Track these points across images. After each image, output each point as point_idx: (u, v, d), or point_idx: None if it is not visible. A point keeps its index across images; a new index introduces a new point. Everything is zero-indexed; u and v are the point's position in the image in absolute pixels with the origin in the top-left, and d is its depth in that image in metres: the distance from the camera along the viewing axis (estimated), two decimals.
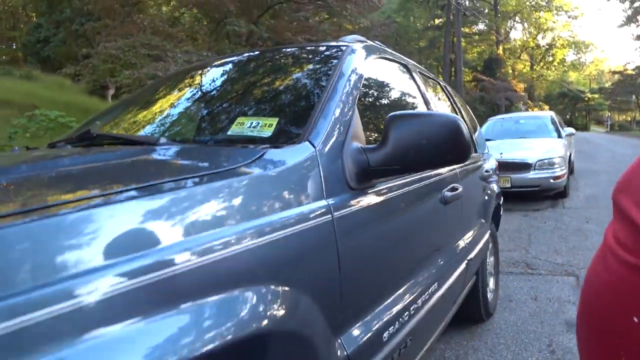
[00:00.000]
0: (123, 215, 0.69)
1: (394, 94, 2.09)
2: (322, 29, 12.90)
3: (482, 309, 3.15)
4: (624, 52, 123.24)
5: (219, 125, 1.45)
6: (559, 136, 8.78)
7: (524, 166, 7.44)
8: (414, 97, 2.18)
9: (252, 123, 1.24)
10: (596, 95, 53.21)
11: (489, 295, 3.39)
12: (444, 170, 2.01)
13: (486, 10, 39.45)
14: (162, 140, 1.19)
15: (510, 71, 41.31)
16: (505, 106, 29.63)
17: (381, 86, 1.96)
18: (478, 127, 4.19)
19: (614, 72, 48.25)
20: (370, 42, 2.04)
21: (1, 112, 11.09)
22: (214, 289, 0.74)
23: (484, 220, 2.92)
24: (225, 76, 1.89)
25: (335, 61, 1.59)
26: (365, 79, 1.64)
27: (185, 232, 0.74)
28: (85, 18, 17.25)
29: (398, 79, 2.14)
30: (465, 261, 2.23)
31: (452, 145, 1.19)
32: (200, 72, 1.99)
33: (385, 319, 1.25)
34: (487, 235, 2.93)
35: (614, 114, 59.56)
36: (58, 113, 7.70)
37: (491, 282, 3.54)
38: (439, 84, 3.06)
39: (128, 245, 0.65)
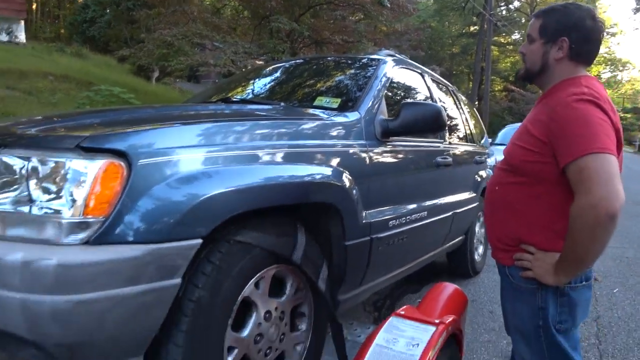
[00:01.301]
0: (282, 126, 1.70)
1: (408, 91, 3.09)
2: (358, 29, 13.66)
3: (469, 266, 4.11)
4: None
5: (309, 98, 2.49)
6: None
7: None
8: (422, 95, 3.18)
9: (326, 100, 2.28)
10: (628, 115, 52.70)
11: (477, 257, 4.36)
12: (440, 146, 3.02)
13: (523, 21, 39.70)
14: (282, 103, 2.23)
15: None
16: None
17: (400, 85, 2.96)
18: (484, 131, 5.10)
19: None
20: (397, 56, 3.04)
21: (62, 85, 12.04)
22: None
23: (474, 193, 3.90)
24: (304, 70, 2.98)
25: (373, 68, 2.62)
26: (391, 81, 2.66)
27: (307, 136, 1.76)
28: (132, 2, 18.40)
29: (413, 82, 3.15)
30: (452, 212, 3.22)
31: (433, 120, 2.19)
32: (284, 66, 3.07)
33: (390, 215, 2.26)
34: (475, 204, 3.90)
35: None
36: (120, 89, 8.67)
37: (480, 248, 4.51)
38: (448, 89, 4.04)
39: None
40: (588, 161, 1.29)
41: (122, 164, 1.19)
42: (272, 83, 2.94)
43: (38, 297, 1.05)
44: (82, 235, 1.13)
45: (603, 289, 4.19)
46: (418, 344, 1.44)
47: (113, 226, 1.15)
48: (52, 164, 1.18)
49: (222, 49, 12.06)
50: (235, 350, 1.46)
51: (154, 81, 18.15)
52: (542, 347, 1.57)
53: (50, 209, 1.16)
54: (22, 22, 16.86)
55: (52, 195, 1.16)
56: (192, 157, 1.33)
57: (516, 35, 38.26)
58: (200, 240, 1.26)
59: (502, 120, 28.20)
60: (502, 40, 36.44)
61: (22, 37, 16.58)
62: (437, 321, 1.56)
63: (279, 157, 1.60)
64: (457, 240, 3.76)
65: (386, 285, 2.65)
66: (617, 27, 44.45)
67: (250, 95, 2.70)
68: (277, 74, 3.05)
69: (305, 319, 1.78)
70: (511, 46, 38.79)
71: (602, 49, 45.14)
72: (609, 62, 47.13)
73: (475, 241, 4.27)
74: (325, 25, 13.69)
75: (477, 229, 4.29)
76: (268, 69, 3.20)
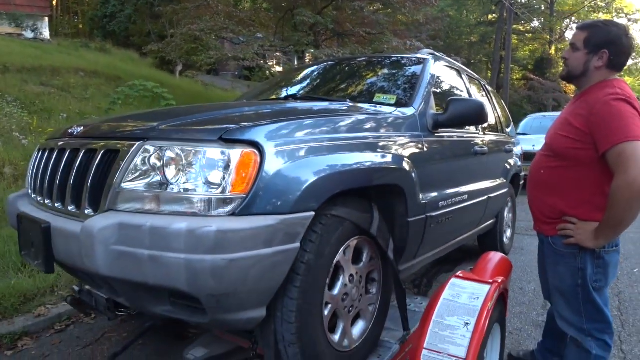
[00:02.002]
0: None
1: (449, 87, 3.38)
2: (379, 21, 13.79)
3: (498, 246, 4.41)
4: None
5: (367, 95, 2.81)
6: None
7: None
8: (461, 90, 3.48)
9: (384, 96, 2.60)
10: None
11: (505, 240, 4.66)
12: (476, 136, 3.32)
13: (542, 8, 39.31)
14: (348, 100, 2.56)
15: None
16: (552, 107, 29.79)
17: (442, 82, 3.26)
18: (510, 119, 5.38)
19: None
20: (436, 54, 3.34)
21: (93, 81, 12.44)
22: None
23: (504, 180, 4.19)
24: (356, 68, 3.34)
25: (420, 66, 2.94)
26: (435, 77, 2.96)
27: (379, 129, 2.08)
28: None
29: (452, 78, 3.44)
30: (486, 196, 3.53)
31: (477, 114, 2.49)
32: (336, 64, 3.40)
33: (440, 197, 2.58)
34: (505, 190, 4.20)
35: None
36: (153, 84, 8.91)
37: (508, 232, 4.81)
38: (480, 82, 4.33)
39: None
40: (624, 147, 1.67)
41: (256, 152, 1.52)
42: (327, 81, 3.28)
43: (200, 257, 1.38)
44: (228, 208, 1.47)
45: (624, 269, 4.47)
46: (478, 297, 1.77)
47: (252, 201, 1.48)
48: (200, 153, 1.51)
49: (247, 42, 12.35)
50: (329, 306, 1.80)
51: (178, 74, 18.56)
52: (580, 303, 1.94)
53: (201, 189, 1.49)
54: (46, 19, 17.28)
55: (200, 178, 1.50)
56: (305, 146, 1.67)
57: (535, 23, 37.94)
58: (313, 213, 1.59)
59: (521, 109, 28.07)
60: (521, 28, 36.14)
61: (46, 33, 17.01)
62: (491, 281, 1.89)
63: (361, 146, 1.94)
64: (489, 222, 4.07)
65: (433, 259, 2.97)
66: None
67: (312, 93, 3.02)
68: (331, 73, 3.37)
69: (376, 284, 2.11)
70: (530, 34, 38.49)
71: None
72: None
73: (504, 225, 4.56)
74: (347, 17, 13.84)
75: (506, 213, 4.58)
76: (319, 67, 3.52)
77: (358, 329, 2.01)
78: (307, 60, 14.24)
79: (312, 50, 12.63)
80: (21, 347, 2.93)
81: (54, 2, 25.39)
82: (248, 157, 1.50)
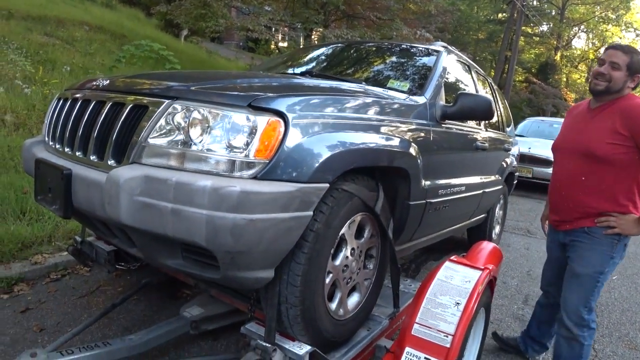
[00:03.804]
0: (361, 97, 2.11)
1: (459, 81, 3.47)
2: (390, 7, 13.72)
3: (487, 240, 4.54)
4: None
5: (380, 80, 2.88)
6: None
7: (546, 162, 8.71)
8: (469, 85, 3.57)
9: (397, 83, 2.68)
10: None
11: (494, 236, 4.80)
12: (479, 132, 3.42)
13: (553, 13, 39.24)
14: (364, 82, 2.64)
15: (564, 79, 40.98)
16: (550, 113, 29.97)
17: (452, 75, 3.34)
18: (511, 119, 5.48)
19: None
20: (449, 47, 3.41)
21: (97, 36, 12.29)
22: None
23: (499, 177, 4.31)
24: (372, 52, 3.44)
25: (434, 57, 3.02)
26: (446, 70, 3.04)
27: (392, 113, 2.17)
28: None
29: (461, 73, 3.52)
30: (482, 190, 3.65)
31: (485, 111, 2.59)
32: (354, 46, 3.48)
33: (440, 185, 2.68)
34: (499, 187, 4.32)
35: None
36: (159, 46, 8.79)
37: (497, 228, 4.95)
38: (487, 80, 4.42)
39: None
40: None
41: (281, 121, 1.60)
42: (340, 62, 3.35)
43: (223, 214, 1.47)
44: (251, 172, 1.55)
45: None
46: (470, 281, 1.88)
47: (273, 168, 1.56)
48: (230, 117, 1.58)
49: (256, 13, 12.26)
50: (331, 275, 1.90)
51: (183, 39, 18.34)
52: (592, 288, 2.30)
53: (226, 150, 1.57)
54: None
55: (225, 141, 1.58)
56: (325, 122, 1.76)
57: (544, 27, 37.89)
58: (328, 185, 1.68)
59: (520, 111, 28.18)
60: (529, 30, 36.11)
61: None
62: (482, 267, 2.00)
63: (375, 128, 2.03)
64: (481, 216, 4.20)
65: (426, 244, 3.09)
66: None
67: (328, 72, 3.09)
68: (346, 54, 3.44)
69: (373, 260, 2.22)
70: (538, 38, 38.48)
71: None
72: None
73: (494, 220, 4.70)
74: (358, 0, 13.76)
75: (497, 210, 4.71)
76: (334, 47, 3.59)
77: (353, 300, 2.13)
78: (314, 39, 14.18)
79: (321, 29, 12.58)
80: (17, 292, 3.02)
81: None
82: (273, 125, 1.58)
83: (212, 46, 21.55)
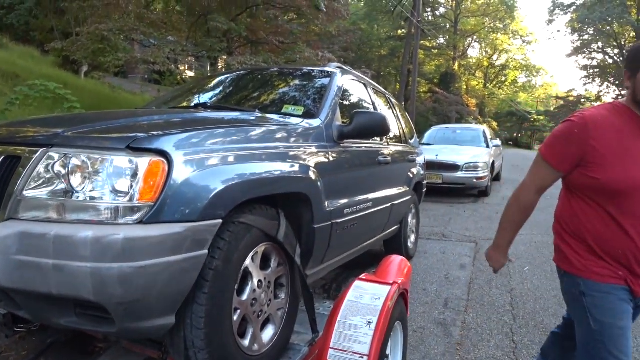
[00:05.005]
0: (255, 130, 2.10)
1: (355, 100, 3.57)
2: (293, 31, 13.98)
3: (403, 250, 4.67)
4: (570, 80, 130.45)
5: (275, 105, 2.89)
6: (487, 146, 10.67)
7: (454, 167, 9.18)
8: (367, 103, 3.68)
9: (292, 108, 2.70)
10: (541, 117, 55.97)
11: (410, 245, 4.94)
12: (381, 147, 3.53)
13: (447, 26, 41.95)
14: (256, 110, 2.62)
15: (464, 87, 43.69)
16: (455, 119, 31.79)
17: (348, 95, 3.43)
18: (414, 131, 5.72)
19: (558, 97, 51.63)
20: (344, 68, 3.51)
21: None
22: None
23: (407, 188, 4.46)
24: (265, 78, 3.41)
25: (328, 79, 3.08)
26: (342, 90, 3.11)
27: (286, 139, 2.16)
28: None
29: (358, 91, 3.63)
30: (390, 203, 3.75)
31: (380, 127, 2.67)
32: (245, 75, 3.45)
33: (345, 204, 2.72)
34: (408, 197, 4.47)
35: None
36: (55, 85, 8.36)
37: (412, 237, 5.10)
38: (385, 96, 4.60)
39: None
40: None
41: (164, 161, 1.54)
42: (238, 90, 3.33)
43: (108, 265, 1.38)
44: (136, 216, 1.47)
45: (516, 268, 4.93)
46: (379, 297, 1.90)
47: (160, 209, 1.49)
48: (107, 161, 1.50)
49: (158, 45, 11.99)
50: (238, 311, 1.84)
51: (83, 75, 17.56)
52: None
53: (108, 197, 1.49)
54: None
55: (107, 186, 1.49)
56: (213, 156, 1.71)
57: (441, 40, 40.39)
58: (221, 221, 1.63)
59: (427, 120, 29.69)
60: (427, 44, 38.26)
61: None
62: (391, 281, 2.04)
63: (269, 156, 2.01)
64: (394, 228, 4.31)
65: (340, 264, 3.11)
66: (533, 36, 47.89)
67: (223, 102, 3.06)
68: (240, 82, 3.43)
69: (284, 289, 2.19)
70: (436, 50, 40.91)
71: (519, 56, 48.62)
72: (525, 68, 50.39)
73: (408, 230, 4.84)
74: (261, 25, 13.88)
75: (409, 219, 4.87)
76: (231, 76, 3.57)
77: (268, 333, 2.07)
78: (220, 67, 14.11)
79: (225, 57, 12.53)
80: None
81: None
82: (156, 165, 1.52)
83: (116, 81, 20.80)
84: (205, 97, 3.24)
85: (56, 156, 1.55)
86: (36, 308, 1.60)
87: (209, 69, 14.49)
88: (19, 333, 2.69)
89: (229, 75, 3.64)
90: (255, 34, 13.62)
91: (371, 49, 36.75)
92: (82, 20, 14.32)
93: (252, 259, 1.90)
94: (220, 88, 3.42)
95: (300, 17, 15.25)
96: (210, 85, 3.54)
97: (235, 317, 1.82)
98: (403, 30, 35.19)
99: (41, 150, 1.58)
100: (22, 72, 12.52)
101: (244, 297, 1.88)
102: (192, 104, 3.02)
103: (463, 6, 42.73)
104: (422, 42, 31.36)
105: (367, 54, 35.75)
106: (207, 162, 1.68)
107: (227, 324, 1.76)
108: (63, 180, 1.53)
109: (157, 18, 13.12)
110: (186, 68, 17.33)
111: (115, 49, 11.63)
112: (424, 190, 5.55)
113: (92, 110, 6.23)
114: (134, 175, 1.49)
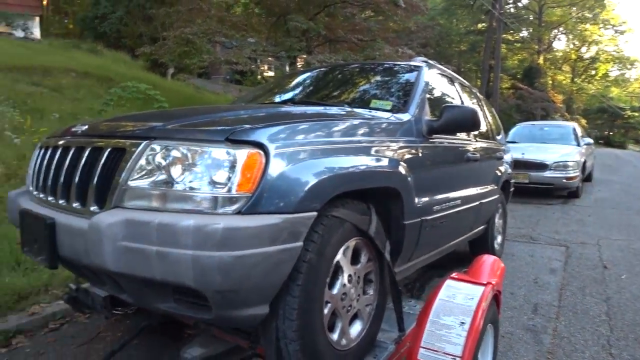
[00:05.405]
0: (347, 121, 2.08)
1: (442, 94, 3.46)
2: (370, 28, 13.87)
3: (489, 251, 4.48)
4: None
5: (363, 100, 2.87)
6: (578, 144, 9.99)
7: (542, 166, 8.69)
8: (453, 97, 3.56)
9: (380, 102, 2.66)
10: (636, 114, 52.11)
11: (496, 246, 4.74)
12: (469, 143, 3.40)
13: (531, 18, 39.87)
14: (346, 105, 2.61)
15: (550, 82, 41.36)
16: (540, 116, 30.18)
17: (435, 89, 3.33)
18: (501, 127, 5.47)
19: None
20: (430, 62, 3.41)
21: (84, 82, 12.36)
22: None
23: (495, 186, 4.27)
24: (352, 74, 3.42)
25: (415, 73, 3.01)
26: (429, 84, 3.03)
27: (377, 133, 2.13)
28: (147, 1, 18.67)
29: (444, 86, 3.52)
30: (479, 201, 3.60)
31: (471, 121, 2.57)
32: (332, 70, 3.46)
33: (434, 201, 2.64)
34: (496, 196, 4.28)
35: None
36: (146, 86, 8.88)
37: (499, 238, 4.89)
38: (472, 90, 4.42)
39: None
40: None
41: (261, 153, 1.56)
42: (322, 87, 3.33)
43: (208, 253, 1.42)
44: (234, 207, 1.51)
45: (612, 275, 4.57)
46: (473, 298, 1.82)
47: (257, 201, 1.52)
48: (207, 153, 1.55)
49: (239, 46, 12.38)
50: (329, 304, 1.84)
51: (170, 77, 18.50)
52: None
53: (207, 187, 1.54)
54: (37, 19, 17.22)
55: (206, 177, 1.54)
56: (307, 149, 1.72)
57: (524, 33, 38.45)
58: (316, 213, 1.64)
59: (510, 117, 28.37)
60: (510, 37, 36.61)
61: (37, 33, 16.96)
62: (485, 282, 1.94)
63: (360, 150, 2.00)
64: (481, 228, 4.14)
65: (426, 263, 3.03)
66: (626, 25, 44.38)
67: (308, 98, 3.08)
68: (326, 79, 3.43)
69: (373, 285, 2.16)
70: (519, 44, 39.03)
71: (610, 47, 45.24)
72: (617, 60, 46.87)
73: (495, 230, 4.64)
74: (339, 24, 13.91)
75: (496, 219, 4.66)
76: (315, 73, 3.58)
77: (355, 328, 2.05)
78: (299, 66, 14.31)
79: (305, 56, 12.68)
80: (15, 345, 2.93)
81: (45, 2, 25.19)
82: (254, 157, 1.54)
83: (200, 82, 21.73)
84: (290, 94, 3.28)
85: (158, 148, 1.62)
86: (138, 292, 1.68)
87: (287, 68, 14.76)
88: (116, 315, 2.88)
89: (311, 72, 3.65)
90: (334, 32, 13.68)
91: (450, 44, 35.71)
92: (168, 25, 15.04)
93: (344, 253, 1.89)
94: (304, 85, 3.44)
95: (377, 14, 15.11)
96: (294, 83, 3.58)
97: (325, 311, 1.82)
98: (483, 24, 33.94)
99: (144, 142, 1.66)
100: (115, 75, 13.40)
101: (335, 290, 1.87)
102: (279, 100, 3.06)
103: None
104: (504, 35, 30.05)
105: (447, 49, 34.76)
106: (301, 155, 1.69)
107: (318, 316, 1.76)
108: (164, 171, 1.59)
109: (237, 20, 13.52)
110: (266, 68, 17.75)
111: (200, 51, 12.14)
112: (512, 189, 5.29)
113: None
114: (233, 166, 1.53)
